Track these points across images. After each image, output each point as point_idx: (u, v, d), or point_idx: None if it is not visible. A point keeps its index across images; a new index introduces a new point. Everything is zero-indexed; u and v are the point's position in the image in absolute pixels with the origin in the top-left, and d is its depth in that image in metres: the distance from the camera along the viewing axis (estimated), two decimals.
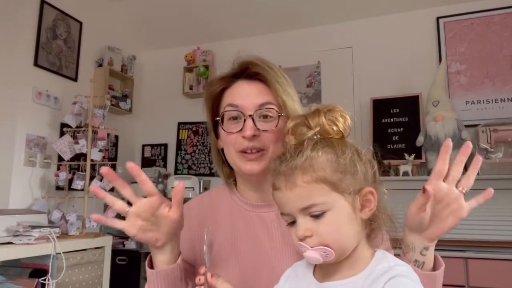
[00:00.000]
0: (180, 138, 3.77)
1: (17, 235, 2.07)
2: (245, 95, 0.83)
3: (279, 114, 0.82)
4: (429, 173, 2.61)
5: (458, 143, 2.53)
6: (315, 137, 0.65)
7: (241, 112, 0.82)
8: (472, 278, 2.11)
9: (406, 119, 2.96)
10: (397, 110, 2.99)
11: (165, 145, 3.81)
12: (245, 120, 0.81)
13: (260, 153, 0.81)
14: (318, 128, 0.65)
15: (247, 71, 0.86)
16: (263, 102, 0.82)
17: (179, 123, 3.79)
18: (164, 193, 3.31)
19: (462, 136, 2.54)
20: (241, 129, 0.81)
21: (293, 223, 0.65)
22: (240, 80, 0.86)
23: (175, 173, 3.66)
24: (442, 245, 2.25)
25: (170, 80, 3.82)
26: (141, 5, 3.31)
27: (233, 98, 0.84)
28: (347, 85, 3.25)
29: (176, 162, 3.73)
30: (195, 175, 3.54)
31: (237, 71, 0.87)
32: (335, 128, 0.65)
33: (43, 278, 2.04)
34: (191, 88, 3.65)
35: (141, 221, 0.71)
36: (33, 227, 2.13)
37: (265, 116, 0.82)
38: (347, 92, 3.23)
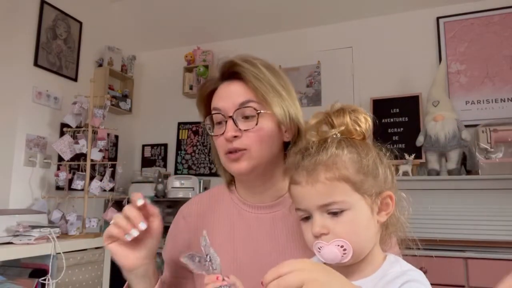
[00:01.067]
0: (180, 138, 3.77)
1: (17, 235, 2.07)
2: (226, 97, 0.83)
3: (257, 112, 0.80)
4: (429, 173, 2.61)
5: (458, 143, 2.54)
6: (335, 136, 0.65)
7: (222, 115, 0.81)
8: (472, 278, 2.11)
9: (406, 119, 2.96)
10: (397, 110, 2.99)
11: (165, 145, 3.81)
12: (226, 121, 0.80)
13: (241, 153, 0.79)
14: (342, 128, 0.65)
15: (228, 72, 0.85)
16: (243, 101, 0.81)
17: (179, 123, 3.79)
18: (164, 193, 3.31)
19: (462, 136, 2.54)
20: (224, 131, 0.80)
21: (307, 218, 0.64)
22: (224, 82, 0.86)
23: (175, 173, 3.66)
24: (442, 245, 2.25)
25: (170, 80, 3.82)
26: (141, 5, 3.31)
27: (216, 101, 0.84)
28: (347, 85, 3.25)
29: (176, 162, 3.73)
30: (195, 175, 3.53)
31: (220, 73, 0.87)
32: (358, 128, 0.65)
33: (43, 278, 2.04)
34: (191, 88, 3.65)
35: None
36: (33, 227, 2.13)
37: (247, 116, 0.81)
38: (347, 92, 3.23)
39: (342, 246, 0.60)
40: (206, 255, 0.67)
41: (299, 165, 0.65)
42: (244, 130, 0.79)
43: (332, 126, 0.66)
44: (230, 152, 0.80)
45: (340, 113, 0.66)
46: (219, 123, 0.83)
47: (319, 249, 0.61)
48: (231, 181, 0.93)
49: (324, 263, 0.67)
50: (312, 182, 0.62)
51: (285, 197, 0.86)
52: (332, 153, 0.63)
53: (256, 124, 0.79)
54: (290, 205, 0.69)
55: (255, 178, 0.84)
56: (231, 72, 0.84)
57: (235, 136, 0.79)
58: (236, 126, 0.79)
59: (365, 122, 0.66)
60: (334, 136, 0.65)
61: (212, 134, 0.84)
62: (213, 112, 0.84)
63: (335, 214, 0.61)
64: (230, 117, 0.80)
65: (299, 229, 0.80)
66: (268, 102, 0.81)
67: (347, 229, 0.60)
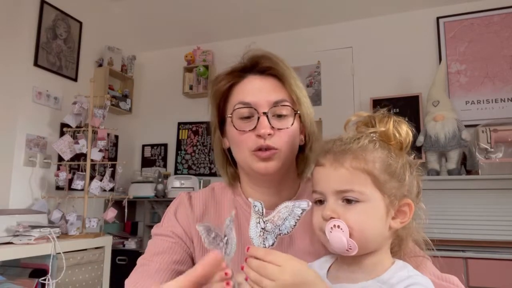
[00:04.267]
0: (180, 138, 3.77)
1: (17, 235, 2.07)
2: (257, 91, 0.78)
3: (295, 112, 0.79)
4: (429, 173, 2.61)
5: (458, 143, 2.54)
6: (372, 134, 0.65)
7: (255, 109, 0.77)
8: (472, 278, 2.11)
9: (406, 119, 2.95)
10: (397, 110, 2.99)
11: (165, 145, 3.81)
12: (259, 117, 0.76)
13: (273, 152, 0.76)
14: (382, 129, 0.65)
15: (259, 66, 0.81)
16: (278, 100, 0.78)
17: (179, 123, 3.79)
18: (164, 193, 3.31)
19: (462, 136, 2.54)
20: (255, 127, 0.76)
21: (320, 202, 0.65)
22: (251, 75, 0.81)
23: (175, 173, 3.66)
24: (442, 245, 2.25)
25: (170, 80, 3.82)
26: (141, 5, 3.31)
27: (244, 95, 0.79)
28: (347, 85, 3.25)
29: (176, 162, 3.73)
30: (195, 175, 3.54)
31: (246, 65, 0.82)
32: (397, 136, 0.65)
33: (43, 278, 2.04)
34: (191, 88, 3.65)
35: None
36: (33, 227, 2.13)
37: (279, 115, 0.78)
38: (347, 92, 3.23)
39: (338, 226, 0.60)
40: (224, 236, 0.61)
41: (327, 149, 0.65)
42: (277, 129, 0.77)
43: (373, 127, 0.67)
44: (260, 149, 0.76)
45: (384, 117, 0.67)
46: (247, 118, 0.78)
47: (329, 231, 0.61)
48: (234, 180, 0.88)
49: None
50: (336, 166, 0.62)
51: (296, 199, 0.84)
52: (363, 145, 0.63)
53: (292, 124, 0.78)
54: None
55: (273, 179, 0.80)
56: (263, 67, 0.81)
57: (269, 134, 0.76)
58: (269, 123, 0.76)
59: (406, 134, 0.66)
60: (372, 134, 0.65)
61: (238, 129, 0.78)
62: (239, 106, 0.78)
63: (349, 202, 0.61)
64: (265, 113, 0.76)
65: (310, 236, 0.78)
66: (300, 103, 0.79)
67: (357, 219, 0.60)
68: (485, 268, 2.11)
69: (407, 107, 2.96)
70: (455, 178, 2.46)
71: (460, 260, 2.15)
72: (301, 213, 0.60)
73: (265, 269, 0.55)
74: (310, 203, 0.61)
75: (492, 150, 2.47)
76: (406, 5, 3.10)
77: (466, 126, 2.63)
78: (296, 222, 0.60)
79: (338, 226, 0.60)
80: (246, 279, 0.58)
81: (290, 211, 0.60)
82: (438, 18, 3.05)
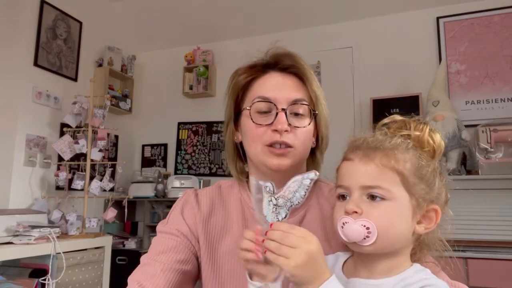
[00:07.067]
0: (180, 138, 3.77)
1: (17, 235, 2.07)
2: (278, 88, 0.79)
3: (313, 112, 0.79)
4: None
5: (458, 143, 2.54)
6: (407, 137, 0.65)
7: (274, 105, 0.77)
8: (472, 278, 2.11)
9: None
10: (397, 110, 2.99)
11: (165, 145, 3.81)
12: (277, 113, 0.76)
13: (288, 150, 0.76)
14: (418, 133, 0.65)
15: (281, 63, 0.82)
16: (297, 98, 0.78)
17: (179, 123, 3.79)
18: (164, 193, 3.31)
19: (462, 136, 2.54)
20: (272, 122, 0.76)
21: (343, 198, 0.64)
22: (272, 72, 0.82)
23: (175, 173, 3.66)
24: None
25: (170, 80, 3.82)
26: (141, 5, 3.31)
27: (265, 90, 0.79)
28: (347, 85, 3.25)
29: (176, 162, 3.74)
30: (195, 175, 3.54)
31: (269, 62, 0.83)
32: (431, 142, 0.65)
33: (43, 278, 2.04)
34: (191, 88, 3.65)
35: None
36: (33, 227, 2.13)
37: (296, 114, 0.78)
38: (347, 92, 3.23)
39: (368, 228, 0.58)
40: (260, 200, 0.64)
41: (356, 145, 0.65)
42: (294, 127, 0.77)
43: (407, 131, 0.66)
44: (274, 145, 0.76)
45: (420, 123, 0.66)
46: (264, 112, 0.78)
47: (343, 224, 0.60)
48: (242, 175, 0.87)
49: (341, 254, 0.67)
50: (366, 161, 0.62)
51: (305, 202, 0.83)
52: (395, 143, 0.62)
53: (309, 124, 0.78)
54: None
55: (282, 177, 0.78)
56: (285, 65, 0.81)
57: (285, 131, 0.76)
58: (287, 120, 0.76)
59: (439, 143, 0.66)
60: (406, 136, 0.65)
61: (255, 122, 0.78)
62: (259, 100, 0.79)
63: (374, 199, 0.60)
64: (283, 110, 0.77)
65: (321, 238, 0.78)
66: (318, 104, 0.80)
67: (381, 217, 0.59)
68: (485, 268, 2.11)
69: (407, 107, 2.96)
70: (455, 178, 2.46)
71: (460, 260, 2.14)
72: (310, 183, 0.62)
73: (288, 238, 0.56)
74: (317, 173, 0.63)
75: (492, 150, 2.47)
76: (406, 5, 3.10)
77: (466, 126, 2.63)
78: (305, 192, 0.62)
79: (368, 228, 0.58)
80: (265, 252, 0.58)
81: (299, 184, 0.62)
82: (438, 18, 3.05)
